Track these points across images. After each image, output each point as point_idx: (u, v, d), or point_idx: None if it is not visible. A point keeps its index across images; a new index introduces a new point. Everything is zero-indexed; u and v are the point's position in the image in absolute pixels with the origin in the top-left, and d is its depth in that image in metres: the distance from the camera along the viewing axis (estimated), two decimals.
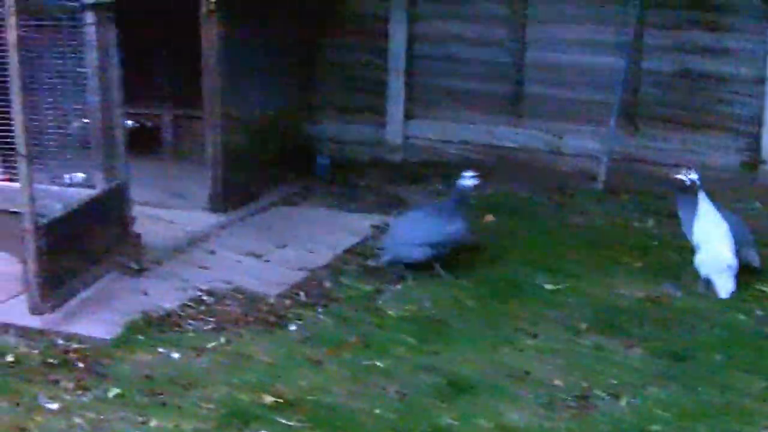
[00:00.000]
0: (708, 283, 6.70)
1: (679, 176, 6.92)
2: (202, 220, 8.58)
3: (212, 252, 7.86)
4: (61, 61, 6.99)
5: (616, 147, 9.11)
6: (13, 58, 5.95)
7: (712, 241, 6.67)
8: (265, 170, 9.39)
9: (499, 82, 9.77)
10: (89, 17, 7.01)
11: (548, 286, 6.97)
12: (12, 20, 5.89)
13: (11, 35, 5.91)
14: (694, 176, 6.83)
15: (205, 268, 7.47)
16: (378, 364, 5.81)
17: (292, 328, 6.42)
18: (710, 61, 8.99)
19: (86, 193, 7.04)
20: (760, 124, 8.82)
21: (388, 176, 9.83)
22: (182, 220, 8.55)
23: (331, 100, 10.39)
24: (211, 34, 8.51)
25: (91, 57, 7.09)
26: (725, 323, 6.20)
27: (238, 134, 9.00)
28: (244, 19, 8.88)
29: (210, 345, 6.11)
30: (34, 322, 6.33)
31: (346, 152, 10.32)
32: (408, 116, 10.13)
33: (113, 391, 5.51)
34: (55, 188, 7.21)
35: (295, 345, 6.13)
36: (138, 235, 7.55)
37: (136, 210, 8.25)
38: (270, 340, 6.20)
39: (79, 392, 5.53)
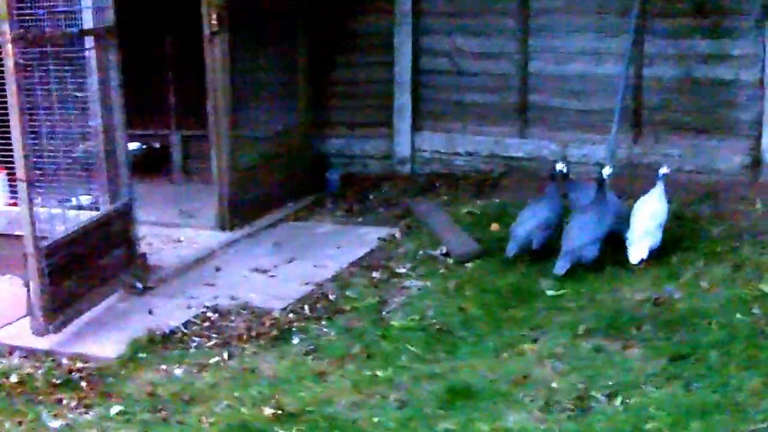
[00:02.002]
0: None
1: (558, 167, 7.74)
2: (210, 238, 8.65)
3: (218, 269, 7.91)
4: (62, 86, 7.04)
5: (621, 153, 9.10)
6: (10, 85, 6.03)
7: (640, 215, 7.38)
8: (274, 187, 9.45)
9: (504, 93, 9.81)
10: (88, 42, 7.08)
11: (551, 292, 6.97)
12: (8, 48, 5.96)
13: (8, 62, 5.99)
14: (561, 166, 7.71)
15: (211, 285, 7.53)
16: (380, 374, 5.84)
17: (296, 341, 6.45)
18: (711, 67, 8.99)
19: (90, 215, 7.08)
20: (760, 126, 8.81)
21: (398, 188, 9.88)
22: (190, 239, 8.64)
23: (341, 115, 10.46)
24: (215, 54, 8.58)
25: (92, 80, 7.15)
26: (723, 323, 6.17)
27: (245, 152, 9.08)
28: (250, 38, 8.97)
29: (213, 361, 6.17)
30: (40, 343, 6.41)
31: (356, 166, 10.42)
32: (416, 129, 10.17)
33: (116, 409, 5.58)
34: (60, 211, 7.29)
35: (298, 358, 6.17)
36: (143, 255, 7.63)
37: (145, 230, 8.39)
38: (273, 354, 6.24)
39: (83, 410, 5.61)
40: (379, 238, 8.45)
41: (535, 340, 6.23)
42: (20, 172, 6.09)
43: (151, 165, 10.80)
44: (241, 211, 8.95)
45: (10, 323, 6.70)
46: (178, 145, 10.72)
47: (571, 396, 5.42)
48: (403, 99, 10.14)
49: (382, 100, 10.22)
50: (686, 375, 5.54)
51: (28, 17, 6.80)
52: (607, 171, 7.46)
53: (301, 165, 9.87)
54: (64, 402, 5.66)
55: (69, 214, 7.03)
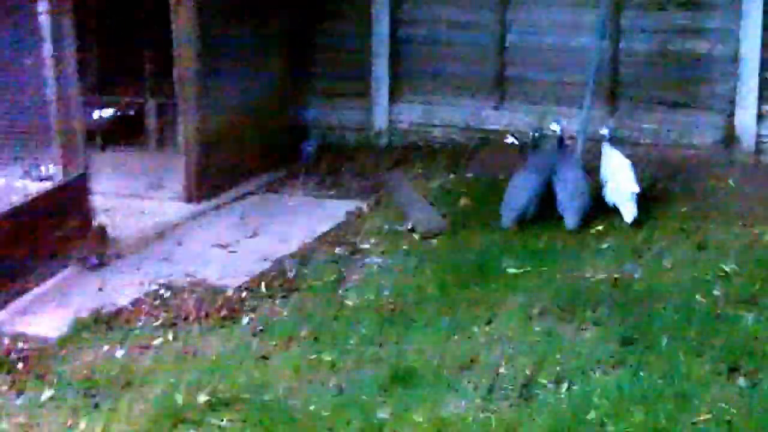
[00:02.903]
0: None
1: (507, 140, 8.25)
2: (175, 210, 8.49)
3: (179, 243, 7.75)
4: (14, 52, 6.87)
5: (596, 127, 8.86)
6: None
7: (618, 175, 7.60)
8: (246, 158, 9.25)
9: (482, 65, 9.59)
10: (42, 6, 6.87)
11: (512, 270, 6.79)
12: None
13: None
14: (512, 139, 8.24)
15: (168, 260, 7.37)
16: (325, 357, 5.68)
17: (245, 321, 6.30)
18: (687, 40, 8.79)
19: (42, 187, 6.91)
20: (733, 102, 8.63)
21: (373, 160, 9.68)
22: (155, 211, 8.47)
23: (319, 85, 10.23)
24: (181, 19, 8.38)
25: (46, 47, 6.96)
26: (681, 304, 6.01)
27: (214, 122, 8.86)
28: (221, 5, 8.74)
29: (157, 342, 6.02)
30: None
31: (333, 137, 10.19)
32: (393, 100, 9.95)
33: (48, 393, 5.43)
34: (18, 183, 7.14)
35: (244, 339, 6.01)
36: (101, 228, 7.46)
37: (109, 201, 8.24)
38: (220, 335, 6.08)
39: (13, 394, 5.44)
40: (347, 212, 8.27)
41: (489, 322, 6.05)
42: None
43: (125, 133, 10.62)
44: (209, 182, 8.77)
45: None
46: (153, 113, 10.48)
47: (516, 382, 5.28)
48: (380, 69, 9.92)
49: (360, 71, 10.00)
50: (635, 361, 5.39)
51: None
52: (555, 127, 7.86)
53: (276, 135, 9.67)
54: None
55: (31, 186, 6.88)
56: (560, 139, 7.91)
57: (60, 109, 7.00)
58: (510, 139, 7.99)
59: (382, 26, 9.81)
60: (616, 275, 6.59)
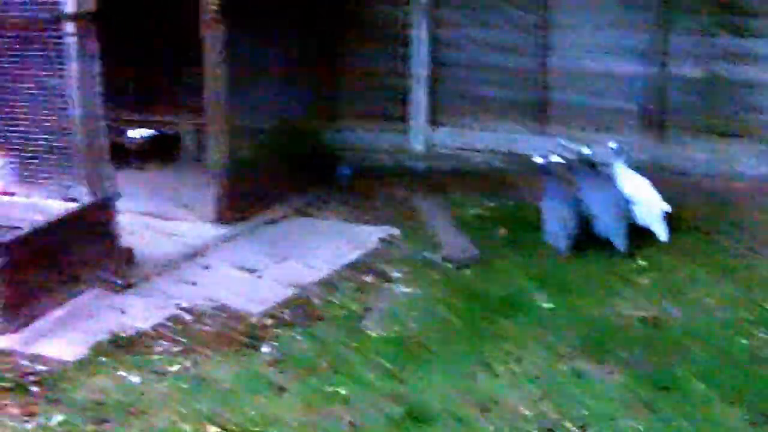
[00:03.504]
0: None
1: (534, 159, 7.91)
2: (205, 232, 8.34)
3: (206, 267, 7.60)
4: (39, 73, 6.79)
5: (642, 155, 8.63)
6: None
7: (644, 195, 7.55)
8: (278, 180, 9.10)
9: (523, 89, 9.38)
10: (69, 28, 6.79)
11: (545, 304, 6.54)
12: None
13: None
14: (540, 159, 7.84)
15: (194, 284, 7.23)
16: (341, 391, 5.47)
17: (265, 350, 6.12)
18: (736, 67, 8.49)
19: (66, 208, 6.80)
20: None
21: (410, 185, 9.50)
22: (185, 233, 8.34)
23: (355, 107, 10.09)
24: (212, 41, 8.24)
25: (72, 67, 6.87)
26: (720, 347, 5.73)
27: (245, 144, 8.75)
28: (252, 25, 8.61)
29: (173, 368, 5.86)
30: (1, 342, 6.12)
31: (369, 160, 10.03)
32: (432, 123, 9.77)
33: (58, 418, 5.29)
34: (43, 202, 7.04)
35: (261, 369, 5.83)
36: (126, 250, 7.35)
37: (140, 221, 8.14)
38: (237, 364, 5.91)
39: (25, 419, 5.30)
40: (379, 239, 8.08)
41: (515, 359, 5.81)
42: None
43: (161, 152, 10.56)
44: (240, 205, 8.62)
45: None
46: (191, 133, 10.39)
47: (538, 427, 5.01)
48: (419, 92, 9.76)
49: (398, 93, 9.84)
50: (666, 407, 5.12)
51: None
52: (586, 150, 7.71)
53: (310, 158, 9.52)
54: (8, 409, 5.37)
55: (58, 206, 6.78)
56: (591, 163, 7.65)
57: (85, 130, 6.87)
58: (538, 159, 7.80)
59: (421, 49, 9.65)
60: (653, 314, 6.32)
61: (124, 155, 10.37)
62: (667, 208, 7.45)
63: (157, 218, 8.60)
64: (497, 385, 5.49)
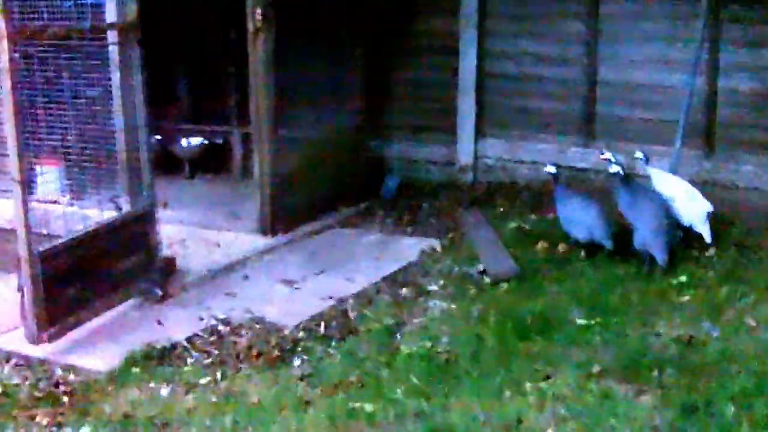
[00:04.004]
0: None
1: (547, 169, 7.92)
2: (249, 243, 8.39)
3: (246, 278, 7.65)
4: (80, 82, 6.87)
5: (691, 170, 8.51)
6: (5, 83, 5.83)
7: (684, 195, 7.53)
8: (323, 192, 9.13)
9: (570, 101, 9.31)
10: (112, 37, 6.87)
11: (580, 322, 6.45)
12: (3, 44, 5.76)
13: (2, 60, 5.79)
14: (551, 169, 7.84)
15: (232, 295, 7.26)
16: (367, 407, 5.45)
17: (296, 363, 6.14)
18: None
19: (106, 218, 6.87)
20: None
21: (455, 198, 9.49)
22: (228, 243, 8.41)
23: (402, 118, 10.11)
24: (257, 52, 8.30)
25: (115, 77, 6.95)
26: (756, 370, 5.59)
27: (290, 155, 8.78)
28: (299, 36, 8.64)
29: (203, 381, 5.89)
30: (37, 351, 6.22)
31: (417, 172, 10.07)
32: (478, 135, 9.74)
33: (86, 429, 5.35)
34: (86, 212, 7.11)
35: (290, 383, 5.84)
36: (167, 260, 7.41)
37: (185, 231, 8.22)
38: (267, 377, 5.93)
39: (53, 429, 5.37)
40: (420, 252, 8.05)
41: (545, 378, 5.73)
42: (15, 173, 5.88)
43: (212, 161, 10.66)
44: (285, 216, 8.66)
45: (14, 328, 6.49)
46: (239, 142, 10.47)
47: None
48: (466, 104, 9.72)
49: (445, 104, 9.84)
50: (692, 430, 4.99)
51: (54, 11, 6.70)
52: (614, 169, 7.54)
53: (355, 169, 9.54)
54: (38, 419, 5.45)
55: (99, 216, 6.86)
56: (623, 175, 7.54)
57: (127, 140, 6.94)
58: (550, 169, 7.83)
59: (468, 60, 9.62)
60: (690, 333, 6.20)
61: (176, 164, 10.51)
62: (710, 207, 7.45)
63: (203, 228, 8.68)
64: (523, 404, 5.41)
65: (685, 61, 8.49)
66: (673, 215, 7.44)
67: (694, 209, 7.49)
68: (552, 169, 7.86)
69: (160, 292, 7.15)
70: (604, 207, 7.63)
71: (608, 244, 7.40)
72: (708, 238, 7.41)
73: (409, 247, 8.23)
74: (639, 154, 7.78)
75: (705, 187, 8.33)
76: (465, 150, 9.80)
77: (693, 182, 8.26)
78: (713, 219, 7.84)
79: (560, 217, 7.75)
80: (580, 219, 7.54)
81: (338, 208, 9.25)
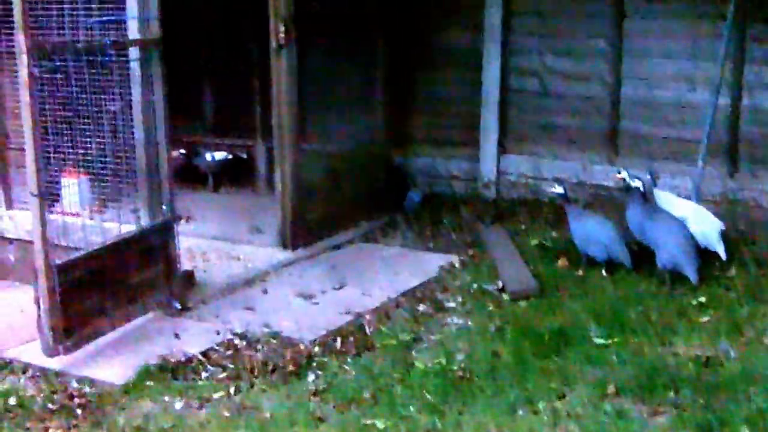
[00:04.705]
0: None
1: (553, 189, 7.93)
2: (269, 257, 8.41)
3: (265, 292, 7.66)
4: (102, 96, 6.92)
5: (715, 188, 8.45)
6: (24, 97, 5.88)
7: (694, 215, 7.52)
8: (345, 206, 9.14)
9: (594, 118, 9.27)
10: (134, 53, 6.92)
11: (598, 340, 6.41)
12: (23, 59, 5.81)
13: (22, 73, 5.84)
14: (559, 189, 7.83)
15: (250, 309, 7.27)
16: (378, 424, 5.44)
17: (311, 378, 6.13)
18: None
19: (125, 231, 6.90)
20: None
21: (477, 213, 9.45)
22: (249, 257, 8.43)
23: (425, 133, 10.11)
24: (280, 67, 8.32)
25: (136, 92, 7.00)
26: None
27: (312, 169, 8.80)
28: (321, 51, 8.69)
29: (217, 395, 5.90)
30: (53, 363, 6.25)
31: (440, 186, 10.06)
32: (502, 151, 9.72)
33: None
34: (106, 224, 7.16)
35: (304, 398, 5.83)
36: (187, 273, 7.43)
37: (207, 244, 8.25)
38: (281, 392, 5.93)
39: None
40: (440, 267, 8.03)
41: (559, 396, 5.69)
42: (32, 186, 5.92)
43: (236, 175, 10.70)
44: (306, 229, 8.68)
45: (31, 340, 6.53)
46: (263, 156, 10.51)
47: None
48: (489, 119, 9.70)
49: (468, 119, 9.81)
50: None
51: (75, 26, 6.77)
52: (635, 183, 7.51)
53: (378, 183, 9.55)
54: (50, 431, 5.43)
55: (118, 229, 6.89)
56: (643, 193, 7.51)
57: (146, 154, 6.98)
58: (558, 189, 7.84)
59: (492, 75, 9.60)
60: (708, 353, 6.14)
61: (201, 177, 10.57)
62: (721, 225, 7.48)
63: (225, 241, 8.72)
64: (537, 423, 5.38)
65: (709, 79, 8.43)
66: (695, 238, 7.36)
67: (706, 229, 7.46)
68: (560, 189, 7.83)
69: (178, 305, 7.18)
70: (618, 225, 7.59)
71: (627, 262, 7.34)
72: (724, 256, 7.37)
73: (430, 262, 8.22)
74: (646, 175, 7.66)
75: (728, 204, 8.27)
76: (488, 165, 9.78)
77: (716, 200, 8.24)
78: (735, 237, 7.78)
79: (575, 236, 7.68)
80: (597, 238, 7.46)
81: (360, 221, 9.26)
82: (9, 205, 7.91)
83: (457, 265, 8.05)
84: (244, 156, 10.71)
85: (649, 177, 7.66)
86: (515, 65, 9.58)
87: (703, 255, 7.42)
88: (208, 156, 10.65)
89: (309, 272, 8.10)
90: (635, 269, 7.39)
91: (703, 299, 6.99)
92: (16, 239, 7.71)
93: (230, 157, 10.65)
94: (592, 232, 7.54)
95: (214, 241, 8.74)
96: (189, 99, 10.78)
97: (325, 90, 8.77)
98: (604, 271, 7.49)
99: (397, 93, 9.79)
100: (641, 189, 7.47)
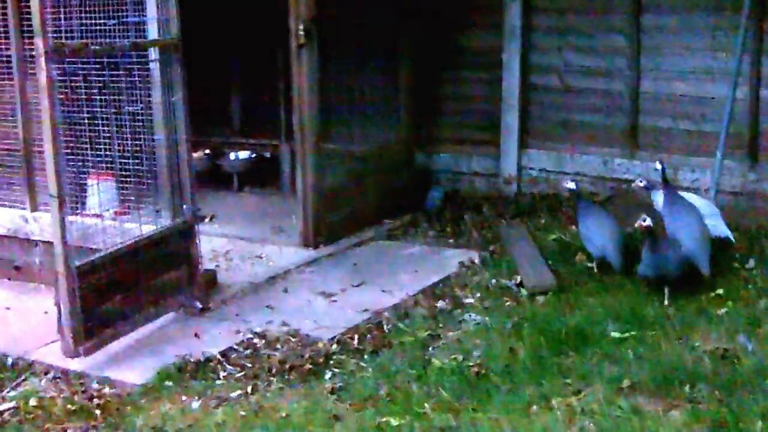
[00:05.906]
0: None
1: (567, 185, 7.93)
2: (291, 256, 8.48)
3: (286, 291, 7.72)
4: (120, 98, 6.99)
5: (735, 182, 8.42)
6: (43, 101, 5.96)
7: (708, 209, 7.60)
8: (367, 204, 9.19)
9: (614, 113, 9.27)
10: (153, 54, 6.98)
11: (615, 335, 6.40)
12: (41, 62, 5.89)
13: (41, 77, 5.92)
14: (572, 185, 7.84)
15: (271, 308, 7.33)
16: (393, 422, 5.46)
17: (328, 377, 6.17)
18: None
19: (146, 232, 6.97)
20: None
21: (498, 210, 9.48)
22: (271, 256, 8.51)
23: (447, 131, 10.16)
24: (301, 68, 8.37)
25: (156, 94, 7.06)
26: None
27: (334, 169, 8.88)
28: (343, 52, 8.73)
29: (235, 395, 5.95)
30: (74, 364, 6.33)
31: (462, 184, 10.11)
32: (523, 147, 9.73)
33: None
34: (128, 226, 7.22)
35: (321, 397, 5.87)
36: (208, 274, 7.50)
37: (230, 244, 8.34)
38: (298, 391, 5.98)
39: None
40: (460, 264, 8.06)
41: (575, 393, 5.70)
42: (52, 188, 6.00)
43: (261, 175, 10.78)
44: (328, 229, 8.73)
45: (53, 341, 6.62)
46: (287, 156, 10.57)
47: None
48: (510, 116, 9.72)
49: (489, 117, 9.85)
50: None
51: (96, 28, 6.84)
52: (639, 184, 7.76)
53: (400, 182, 9.59)
54: None
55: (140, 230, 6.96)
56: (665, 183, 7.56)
57: (167, 155, 7.05)
58: (570, 185, 7.81)
59: (512, 73, 9.62)
60: (725, 347, 6.12)
61: (225, 178, 10.66)
62: (716, 210, 7.63)
63: (248, 241, 8.81)
64: (551, 420, 5.39)
65: (728, 72, 8.40)
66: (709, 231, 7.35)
67: (712, 218, 7.50)
68: (572, 185, 7.83)
69: (200, 306, 7.24)
70: (618, 226, 7.60)
71: (616, 265, 7.34)
72: (731, 237, 7.54)
73: (450, 259, 8.25)
74: (657, 165, 7.58)
75: (748, 197, 8.25)
76: (509, 162, 9.80)
77: (736, 193, 8.20)
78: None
79: (580, 232, 7.72)
80: (594, 236, 7.48)
81: (382, 220, 9.29)
82: (34, 207, 8.02)
83: (476, 261, 8.07)
84: (269, 156, 10.76)
85: (660, 168, 7.60)
86: (535, 62, 9.59)
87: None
88: (232, 156, 10.72)
89: (330, 271, 8.16)
90: (626, 271, 7.33)
91: (720, 292, 6.96)
92: (42, 241, 7.80)
93: (254, 156, 10.72)
94: (589, 230, 7.54)
95: (237, 240, 8.83)
96: (217, 102, 10.91)
97: (347, 90, 8.84)
98: (595, 268, 7.48)
99: (419, 92, 9.81)
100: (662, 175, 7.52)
